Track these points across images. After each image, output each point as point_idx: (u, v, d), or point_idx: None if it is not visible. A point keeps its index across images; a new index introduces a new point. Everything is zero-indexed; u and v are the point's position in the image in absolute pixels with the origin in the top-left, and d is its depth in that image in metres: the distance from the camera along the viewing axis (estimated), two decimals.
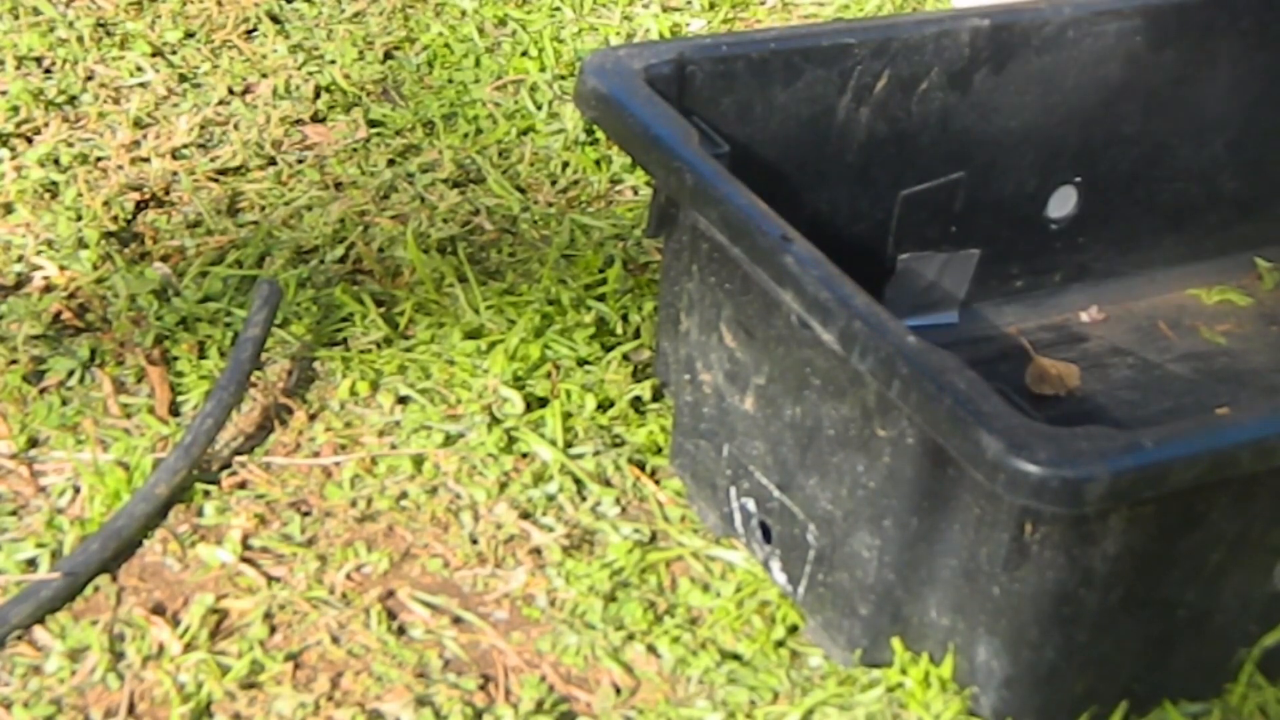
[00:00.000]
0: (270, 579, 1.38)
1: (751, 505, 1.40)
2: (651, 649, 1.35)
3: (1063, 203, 1.70)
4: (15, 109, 1.85)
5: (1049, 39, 1.62)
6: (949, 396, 1.17)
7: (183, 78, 1.93)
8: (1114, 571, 1.22)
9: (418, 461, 1.49)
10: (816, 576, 1.35)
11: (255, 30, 2.02)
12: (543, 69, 2.01)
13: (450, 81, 1.97)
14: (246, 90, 1.92)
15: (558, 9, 2.12)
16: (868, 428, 1.27)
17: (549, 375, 1.57)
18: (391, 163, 1.83)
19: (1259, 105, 1.75)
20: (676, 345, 1.45)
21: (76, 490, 1.44)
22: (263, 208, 1.75)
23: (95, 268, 1.65)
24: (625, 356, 1.59)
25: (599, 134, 1.90)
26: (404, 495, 1.46)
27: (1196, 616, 1.29)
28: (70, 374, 1.53)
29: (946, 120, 1.60)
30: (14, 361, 1.54)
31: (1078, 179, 1.70)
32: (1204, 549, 1.26)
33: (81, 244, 1.67)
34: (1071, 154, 1.68)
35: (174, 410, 1.52)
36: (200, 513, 1.43)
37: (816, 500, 1.33)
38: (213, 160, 1.81)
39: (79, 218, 1.70)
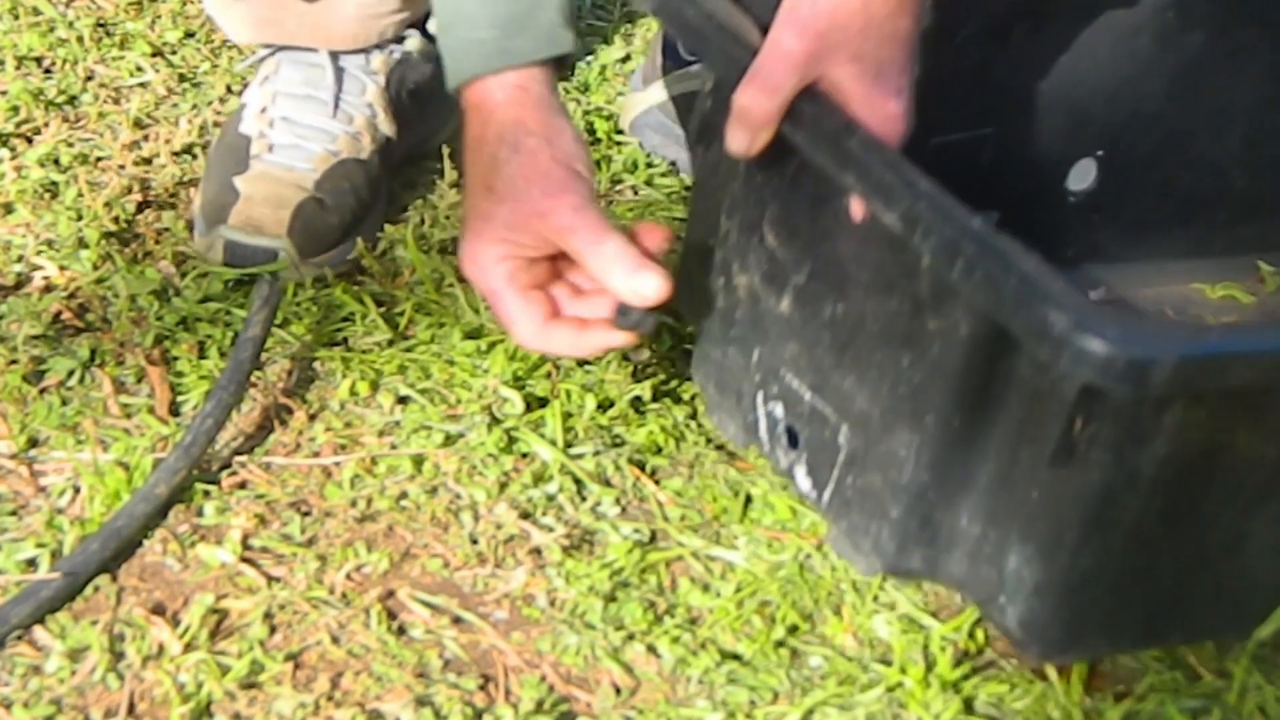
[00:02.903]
0: (270, 579, 1.38)
1: (779, 410, 1.39)
2: (651, 649, 1.35)
3: (1083, 175, 1.69)
4: (15, 109, 1.85)
5: (1086, 4, 1.60)
6: (1015, 275, 1.17)
7: (182, 78, 1.93)
8: (1158, 477, 1.21)
9: (418, 461, 1.49)
10: (845, 480, 1.34)
11: None
12: None
13: None
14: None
15: None
16: (917, 320, 1.26)
17: (549, 375, 1.57)
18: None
19: (1275, 103, 1.73)
20: (709, 255, 1.44)
21: (76, 490, 1.44)
22: None
23: (95, 268, 1.65)
24: (625, 356, 1.59)
25: (599, 134, 1.90)
26: (404, 495, 1.46)
27: (1229, 542, 1.28)
28: (70, 374, 1.53)
29: (984, 72, 1.57)
30: (14, 361, 1.54)
31: (1099, 152, 1.68)
32: (1246, 468, 1.25)
33: (82, 244, 1.67)
34: (1096, 126, 1.66)
35: (174, 410, 1.52)
36: (200, 513, 1.43)
37: (852, 400, 1.32)
38: None
39: (79, 218, 1.70)
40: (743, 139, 1.33)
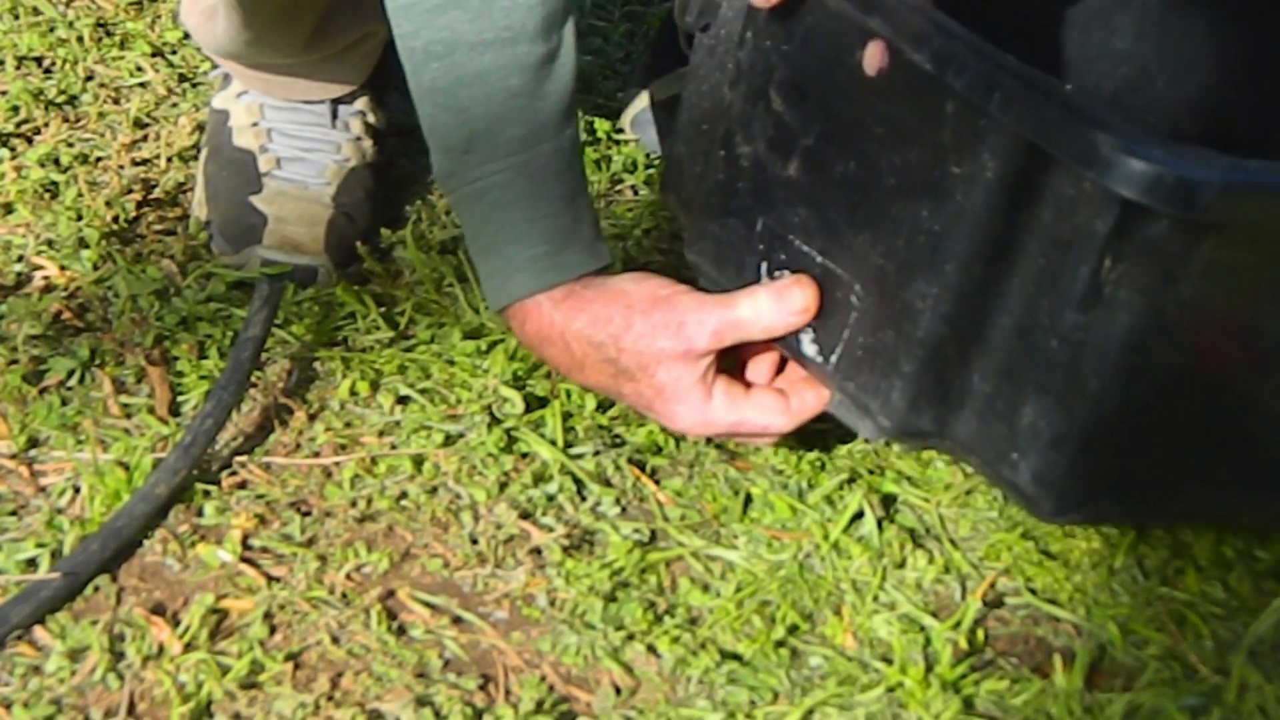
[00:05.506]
0: (270, 579, 1.38)
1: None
2: (651, 649, 1.36)
3: None
4: (15, 109, 1.85)
5: None
6: (1057, 102, 1.18)
7: (183, 78, 1.93)
8: (1184, 321, 1.22)
9: (418, 461, 1.49)
10: (857, 339, 1.34)
11: None
12: None
13: None
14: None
15: None
16: (938, 168, 1.26)
17: (549, 375, 1.57)
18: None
19: (1231, 48, 1.71)
20: (706, 134, 1.44)
21: (76, 490, 1.44)
22: None
23: (95, 268, 1.65)
24: None
25: (599, 133, 1.90)
26: (404, 495, 1.47)
27: (1246, 406, 1.28)
28: (70, 374, 1.54)
29: None
30: (14, 361, 1.54)
31: (1069, 86, 1.67)
32: (1269, 322, 1.25)
33: (82, 244, 1.67)
34: (1069, 58, 1.64)
35: (174, 410, 1.52)
36: (200, 513, 1.43)
37: (866, 257, 1.32)
38: None
39: (79, 218, 1.71)
40: None
